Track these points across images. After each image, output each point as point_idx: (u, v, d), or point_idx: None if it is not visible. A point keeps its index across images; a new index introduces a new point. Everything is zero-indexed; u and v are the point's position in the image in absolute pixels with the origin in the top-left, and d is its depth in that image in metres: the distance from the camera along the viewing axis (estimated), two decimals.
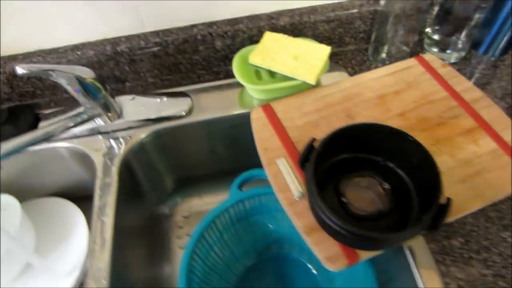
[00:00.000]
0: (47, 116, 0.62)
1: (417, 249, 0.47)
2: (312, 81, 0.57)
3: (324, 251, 0.43)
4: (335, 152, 0.47)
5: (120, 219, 0.55)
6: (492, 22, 0.64)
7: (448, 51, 0.67)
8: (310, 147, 0.44)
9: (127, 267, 0.56)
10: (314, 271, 0.65)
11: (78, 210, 0.64)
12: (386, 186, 0.45)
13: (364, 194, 0.45)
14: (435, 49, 0.67)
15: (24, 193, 0.66)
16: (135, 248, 0.61)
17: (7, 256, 0.56)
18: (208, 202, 0.75)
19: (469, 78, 0.65)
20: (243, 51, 0.62)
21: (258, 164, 0.52)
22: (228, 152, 0.70)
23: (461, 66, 0.66)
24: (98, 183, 0.56)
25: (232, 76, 0.60)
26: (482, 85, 0.64)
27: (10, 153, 0.50)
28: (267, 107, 0.57)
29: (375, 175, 0.46)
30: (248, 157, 0.59)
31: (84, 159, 0.61)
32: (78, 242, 0.61)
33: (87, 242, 0.59)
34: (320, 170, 0.46)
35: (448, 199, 0.40)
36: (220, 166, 0.72)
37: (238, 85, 0.61)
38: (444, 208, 0.39)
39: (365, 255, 0.42)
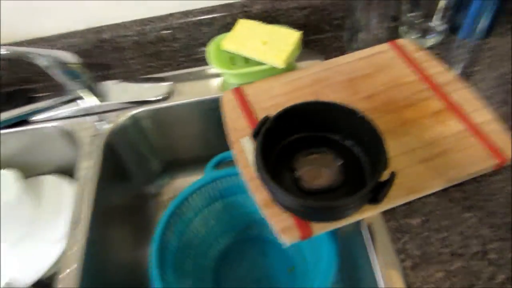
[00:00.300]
0: (41, 100, 0.63)
1: (375, 227, 0.45)
2: (280, 65, 0.55)
3: (279, 224, 0.41)
4: (293, 130, 0.46)
5: (103, 195, 0.55)
6: (469, 5, 0.60)
7: (426, 36, 0.63)
8: (263, 122, 0.42)
9: (107, 241, 0.56)
10: (292, 252, 0.63)
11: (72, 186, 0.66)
12: (339, 162, 0.43)
13: (317, 170, 0.43)
14: (410, 35, 0.64)
15: (25, 171, 0.68)
16: (119, 225, 0.61)
17: (5, 224, 0.58)
18: None
19: (447, 63, 0.61)
20: (218, 38, 0.61)
21: None
22: (213, 135, 0.69)
23: (439, 51, 0.62)
24: (81, 161, 0.56)
25: None
26: (460, 69, 0.60)
27: None
28: (237, 90, 0.56)
29: (329, 152, 0.44)
30: None
31: (72, 139, 0.61)
32: (69, 216, 0.62)
33: None
34: (276, 148, 0.45)
35: (392, 173, 0.38)
36: (207, 150, 0.71)
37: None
38: (386, 183, 0.37)
39: (318, 228, 0.40)
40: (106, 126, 0.61)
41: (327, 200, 0.40)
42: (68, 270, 0.47)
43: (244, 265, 0.63)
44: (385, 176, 0.38)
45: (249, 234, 0.66)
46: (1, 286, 0.54)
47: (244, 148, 0.48)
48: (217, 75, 0.64)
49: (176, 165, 0.75)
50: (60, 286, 0.46)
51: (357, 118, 0.41)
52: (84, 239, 0.49)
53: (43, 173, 0.71)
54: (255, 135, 0.41)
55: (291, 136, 0.46)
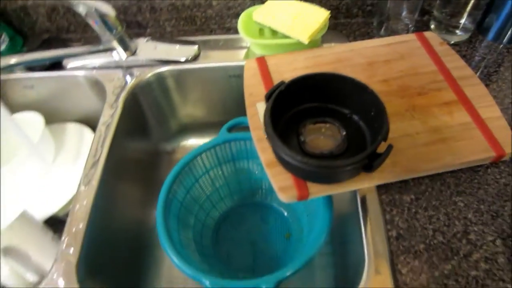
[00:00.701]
0: None
1: (369, 198, 0.52)
2: (305, 40, 0.62)
3: (279, 182, 0.49)
4: (306, 99, 0.53)
5: (120, 143, 0.64)
6: (500, 7, 0.65)
7: (452, 32, 0.69)
8: (279, 85, 0.50)
9: (119, 186, 0.65)
10: (290, 221, 0.71)
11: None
12: (343, 132, 0.50)
13: (322, 137, 0.51)
14: (439, 30, 0.70)
15: (52, 116, 0.77)
16: (132, 175, 0.70)
17: (27, 161, 0.68)
18: None
19: (469, 60, 0.67)
20: (250, 9, 0.68)
21: None
22: (232, 102, 0.76)
23: (464, 48, 0.68)
24: (105, 108, 0.66)
25: None
26: (480, 68, 0.66)
27: (23, 63, 0.61)
28: (261, 59, 0.64)
29: (336, 123, 0.51)
30: None
31: (100, 88, 0.70)
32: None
33: None
34: (288, 113, 0.53)
35: (389, 146, 0.45)
36: (225, 115, 0.77)
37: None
38: (383, 153, 0.44)
39: (315, 191, 0.48)
40: (132, 80, 0.69)
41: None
42: (78, 205, 0.55)
43: (243, 227, 0.72)
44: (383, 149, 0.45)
45: (253, 200, 0.74)
46: (15, 217, 0.60)
47: (258, 112, 0.57)
48: (245, 46, 0.72)
49: (193, 127, 0.83)
50: (70, 218, 0.54)
51: (367, 93, 0.48)
52: (98, 180, 0.58)
53: (69, 121, 0.81)
54: (269, 97, 0.49)
55: (303, 104, 0.53)
